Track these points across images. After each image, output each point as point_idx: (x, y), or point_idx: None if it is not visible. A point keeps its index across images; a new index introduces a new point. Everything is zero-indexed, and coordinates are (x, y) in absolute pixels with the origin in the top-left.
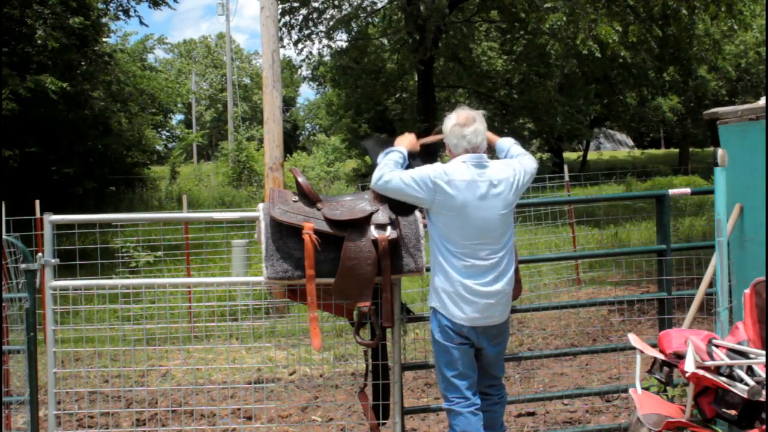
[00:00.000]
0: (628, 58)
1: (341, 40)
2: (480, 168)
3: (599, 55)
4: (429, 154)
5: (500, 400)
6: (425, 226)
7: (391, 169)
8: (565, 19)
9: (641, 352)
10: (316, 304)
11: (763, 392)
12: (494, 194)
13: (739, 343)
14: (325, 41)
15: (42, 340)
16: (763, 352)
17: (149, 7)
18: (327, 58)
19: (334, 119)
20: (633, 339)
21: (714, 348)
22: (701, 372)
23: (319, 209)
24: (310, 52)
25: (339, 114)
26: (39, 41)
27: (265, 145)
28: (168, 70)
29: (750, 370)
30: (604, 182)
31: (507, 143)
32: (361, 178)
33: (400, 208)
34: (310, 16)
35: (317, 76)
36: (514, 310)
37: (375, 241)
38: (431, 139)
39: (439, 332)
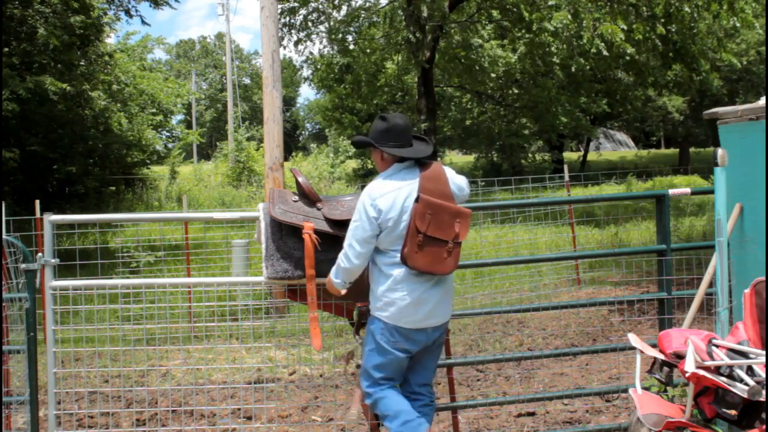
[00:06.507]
0: (635, 55)
1: (340, 40)
2: (410, 175)
3: (607, 53)
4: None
5: (431, 402)
6: None
7: (343, 273)
8: (569, 17)
9: (641, 352)
10: (316, 304)
11: (763, 392)
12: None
13: (739, 343)
14: (325, 42)
15: (42, 340)
16: (763, 352)
17: (150, 6)
18: (326, 59)
19: (329, 122)
20: (633, 339)
21: (714, 348)
22: (701, 372)
23: (319, 209)
24: (311, 53)
25: (335, 117)
26: (41, 40)
27: (265, 145)
28: (168, 71)
29: (750, 370)
30: (604, 182)
31: None
32: (362, 178)
33: None
34: (310, 17)
35: (316, 77)
36: (514, 310)
37: None
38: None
39: (380, 334)
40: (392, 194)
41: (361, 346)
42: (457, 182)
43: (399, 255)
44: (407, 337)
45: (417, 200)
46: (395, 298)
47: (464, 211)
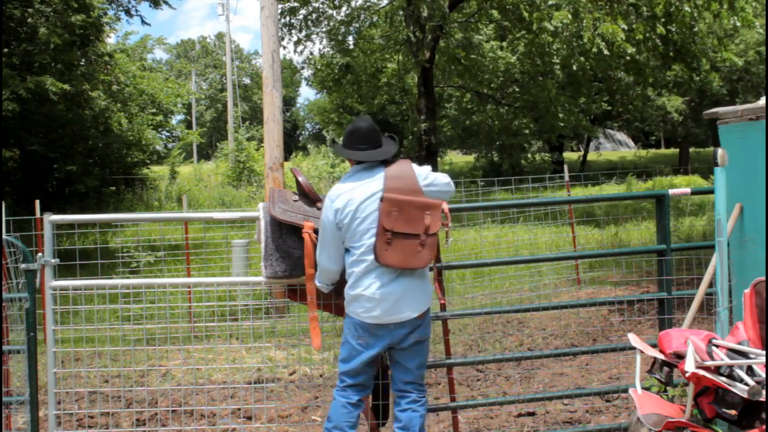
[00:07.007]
0: (635, 55)
1: (340, 40)
2: (367, 175)
3: (608, 53)
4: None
5: (420, 399)
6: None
7: (319, 275)
8: (570, 17)
9: (641, 352)
10: (316, 304)
11: (763, 392)
12: (377, 198)
13: (739, 343)
14: (325, 42)
15: (42, 340)
16: (763, 352)
17: (150, 6)
18: (326, 60)
19: (327, 123)
20: (633, 339)
21: (714, 348)
22: (701, 372)
23: (319, 208)
24: (311, 53)
25: (332, 119)
26: (42, 39)
27: (265, 145)
28: (168, 71)
29: (750, 370)
30: (604, 182)
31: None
32: None
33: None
34: (310, 17)
35: (316, 79)
36: (514, 310)
37: None
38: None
39: (347, 329)
40: (346, 195)
41: None
42: (431, 179)
43: (358, 252)
44: (370, 333)
45: (382, 200)
46: (355, 294)
47: (433, 203)
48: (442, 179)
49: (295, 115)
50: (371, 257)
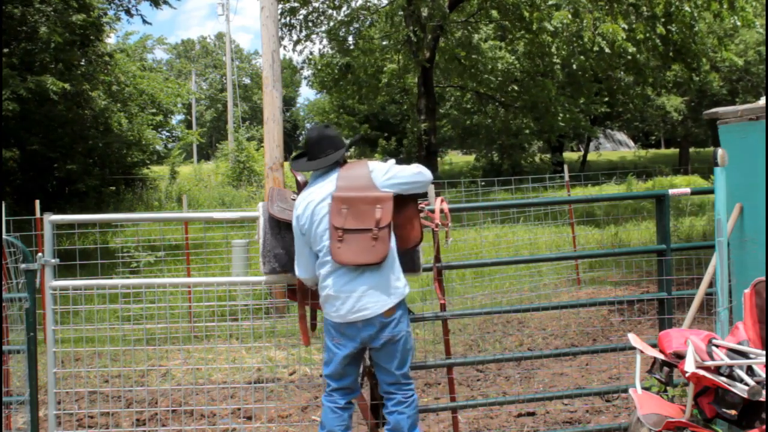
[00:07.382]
0: (635, 54)
1: (340, 40)
2: (323, 179)
3: (608, 51)
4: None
5: (406, 400)
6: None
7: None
8: (570, 17)
9: (641, 352)
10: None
11: (763, 392)
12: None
13: (739, 343)
14: (325, 42)
15: (42, 340)
16: (763, 352)
17: (150, 6)
18: (326, 60)
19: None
20: (633, 339)
21: (714, 348)
22: (701, 372)
23: None
24: (311, 53)
25: (332, 120)
26: (43, 38)
27: (265, 145)
28: (168, 71)
29: (750, 370)
30: (604, 182)
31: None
32: None
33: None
34: (310, 17)
35: (316, 79)
36: (514, 310)
37: None
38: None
39: (325, 330)
40: (305, 202)
41: None
42: (393, 173)
43: (321, 254)
44: (340, 332)
45: (332, 199)
46: (325, 294)
47: (383, 196)
48: (408, 170)
49: (295, 115)
50: (331, 257)
